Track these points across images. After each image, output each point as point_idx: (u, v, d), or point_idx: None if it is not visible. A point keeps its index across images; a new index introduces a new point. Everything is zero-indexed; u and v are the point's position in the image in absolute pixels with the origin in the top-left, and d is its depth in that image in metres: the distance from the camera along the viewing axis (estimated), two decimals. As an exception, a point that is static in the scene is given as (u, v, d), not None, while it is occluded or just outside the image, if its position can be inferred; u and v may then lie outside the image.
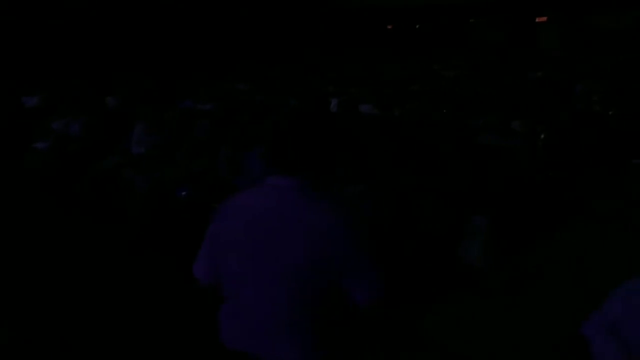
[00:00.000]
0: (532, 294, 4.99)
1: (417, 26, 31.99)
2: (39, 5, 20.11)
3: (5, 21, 19.07)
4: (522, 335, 4.27)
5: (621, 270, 4.65)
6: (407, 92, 11.62)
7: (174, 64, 20.94)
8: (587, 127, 7.81)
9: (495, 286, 5.16)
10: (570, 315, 4.26)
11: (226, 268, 2.18)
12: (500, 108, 7.31)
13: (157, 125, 7.42)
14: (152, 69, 18.89)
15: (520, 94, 10.42)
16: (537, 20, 27.78)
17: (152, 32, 22.68)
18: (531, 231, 6.19)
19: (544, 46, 26.48)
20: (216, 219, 2.26)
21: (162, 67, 19.75)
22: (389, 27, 32.42)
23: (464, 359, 4.12)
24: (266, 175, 2.16)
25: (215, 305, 2.31)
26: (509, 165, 6.15)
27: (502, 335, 4.30)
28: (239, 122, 8.08)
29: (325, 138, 2.12)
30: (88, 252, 6.09)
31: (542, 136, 6.49)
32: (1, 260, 5.88)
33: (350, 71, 18.62)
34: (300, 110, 2.31)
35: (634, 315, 2.40)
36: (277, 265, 2.02)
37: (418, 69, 18.17)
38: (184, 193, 5.74)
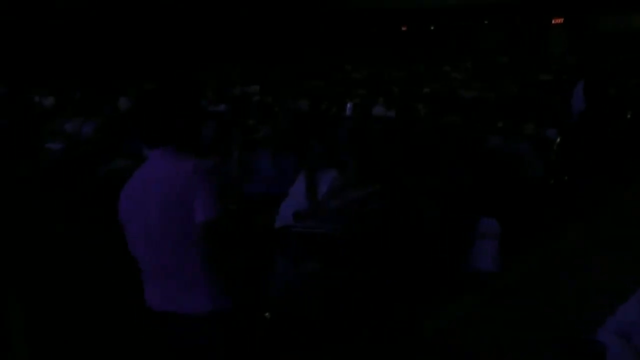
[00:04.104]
0: (539, 296, 4.97)
1: (432, 27, 31.92)
2: (54, 7, 20.22)
3: (20, 23, 19.19)
4: (529, 337, 4.25)
5: (630, 275, 4.63)
6: (418, 94, 11.61)
7: (186, 65, 21.01)
8: (603, 130, 7.75)
9: (503, 288, 5.14)
10: (577, 318, 4.25)
11: (130, 246, 2.49)
12: (510, 111, 7.28)
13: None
14: (163, 70, 18.96)
15: (530, 96, 10.37)
16: (553, 22, 27.61)
17: (164, 35, 22.73)
18: (539, 233, 6.18)
19: (554, 49, 26.40)
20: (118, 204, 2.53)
21: (173, 68, 19.81)
22: (404, 28, 32.36)
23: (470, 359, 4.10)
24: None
25: None
26: (517, 169, 6.12)
27: (509, 337, 4.28)
28: (249, 123, 8.09)
29: (174, 114, 2.41)
30: (97, 252, 6.10)
31: (558, 140, 6.44)
32: (10, 260, 5.90)
33: (361, 73, 18.62)
34: (150, 92, 2.63)
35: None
36: (154, 228, 2.30)
37: (429, 70, 18.15)
38: None
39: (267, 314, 2.62)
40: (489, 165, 5.80)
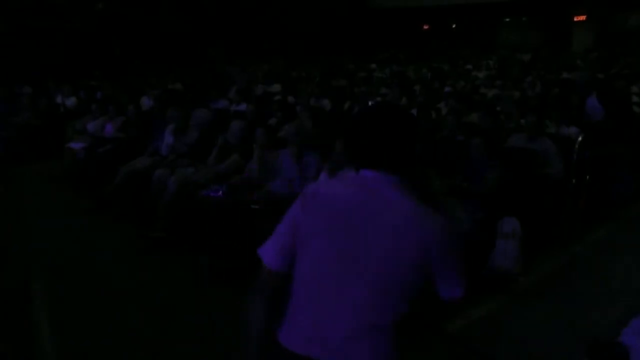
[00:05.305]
0: (561, 296, 4.94)
1: (454, 26, 31.79)
2: (74, 8, 20.42)
3: (41, 24, 19.40)
4: (551, 338, 4.23)
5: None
6: (439, 93, 11.56)
7: (208, 64, 21.11)
8: (624, 128, 7.67)
9: (525, 288, 5.12)
10: (600, 319, 4.22)
11: (304, 261, 2.03)
12: (533, 109, 7.22)
13: (189, 126, 7.47)
14: (186, 70, 19.07)
15: (552, 95, 10.28)
16: (575, 19, 27.30)
17: (186, 34, 22.85)
18: (561, 234, 6.14)
19: (577, 47, 26.14)
20: (300, 206, 2.08)
21: (195, 68, 19.91)
22: (426, 27, 32.23)
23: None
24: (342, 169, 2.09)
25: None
26: (538, 168, 6.08)
27: (531, 337, 4.27)
28: (271, 122, 8.11)
29: (410, 135, 2.05)
30: (119, 251, 6.16)
31: (579, 139, 6.38)
32: (32, 260, 5.97)
33: (384, 72, 18.58)
34: (389, 106, 2.16)
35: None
36: (365, 263, 1.91)
37: (451, 69, 18.05)
38: (220, 192, 5.77)
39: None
40: (511, 164, 5.76)
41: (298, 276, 2.04)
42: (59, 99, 12.23)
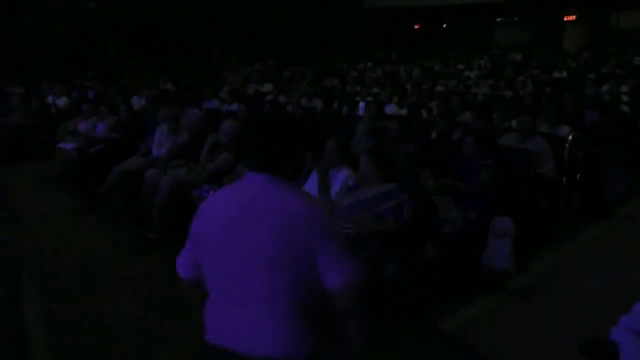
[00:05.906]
0: (553, 295, 4.95)
1: (444, 25, 31.78)
2: (66, 7, 20.34)
3: (33, 24, 19.34)
4: (544, 336, 4.24)
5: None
6: (431, 92, 11.57)
7: (200, 65, 21.08)
8: (616, 128, 7.69)
9: (518, 287, 5.13)
10: (591, 317, 4.24)
11: (206, 263, 2.29)
12: (526, 109, 7.24)
13: (180, 127, 7.45)
14: (180, 69, 19.05)
15: (544, 94, 10.31)
16: (565, 19, 27.33)
17: (177, 35, 22.79)
18: (554, 233, 6.16)
19: (570, 45, 26.19)
20: (197, 216, 2.35)
21: (187, 68, 19.88)
22: (416, 27, 32.20)
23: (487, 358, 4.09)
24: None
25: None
26: (532, 167, 6.09)
27: (524, 336, 4.28)
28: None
29: (289, 140, 2.32)
30: (113, 251, 6.14)
31: (570, 137, 6.40)
32: (25, 260, 5.94)
33: (372, 71, 18.57)
34: (268, 119, 2.59)
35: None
36: (252, 254, 2.11)
37: (442, 68, 18.07)
38: (211, 192, 5.76)
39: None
40: (504, 164, 5.77)
41: (206, 278, 2.32)
42: (50, 99, 12.19)
